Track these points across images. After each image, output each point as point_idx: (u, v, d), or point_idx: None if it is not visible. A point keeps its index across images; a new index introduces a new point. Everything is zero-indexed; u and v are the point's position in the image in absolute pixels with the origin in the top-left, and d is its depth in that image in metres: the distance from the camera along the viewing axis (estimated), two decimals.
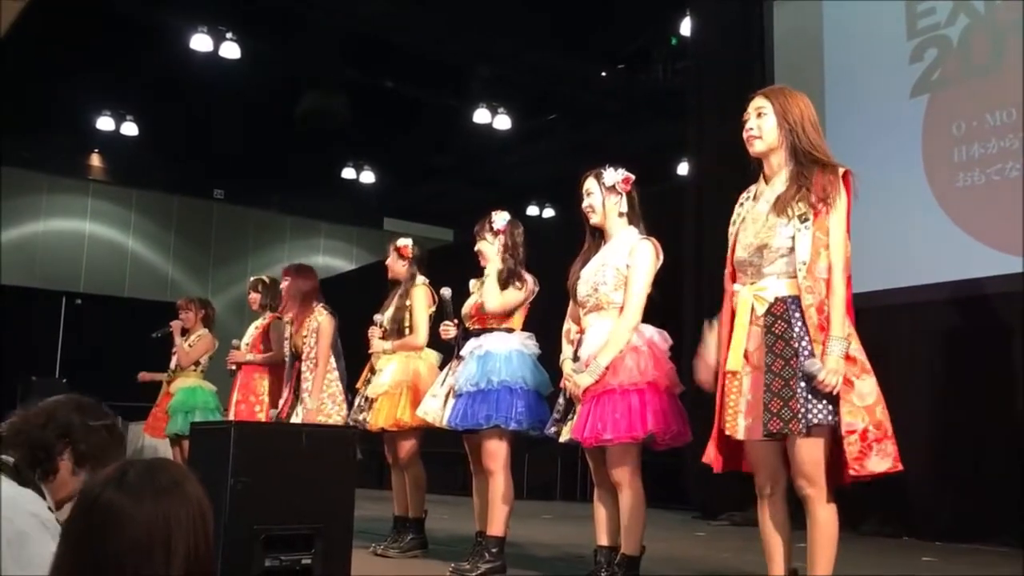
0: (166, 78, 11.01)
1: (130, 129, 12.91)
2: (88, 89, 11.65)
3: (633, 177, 3.67)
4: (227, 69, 10.50)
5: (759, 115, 2.91)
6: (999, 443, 5.48)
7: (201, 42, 10.23)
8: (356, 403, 4.86)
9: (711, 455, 2.92)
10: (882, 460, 2.66)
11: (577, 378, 3.47)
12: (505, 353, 4.10)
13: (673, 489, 7.36)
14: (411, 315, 4.79)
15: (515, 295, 4.18)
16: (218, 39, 10.27)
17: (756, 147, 2.90)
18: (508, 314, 4.20)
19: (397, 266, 4.96)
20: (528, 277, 4.23)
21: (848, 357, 2.68)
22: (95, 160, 14.27)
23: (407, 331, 4.79)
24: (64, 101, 11.73)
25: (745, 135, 2.92)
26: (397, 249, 4.95)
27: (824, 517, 2.76)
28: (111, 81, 11.42)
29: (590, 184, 3.68)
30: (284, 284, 5.21)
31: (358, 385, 4.90)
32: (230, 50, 10.34)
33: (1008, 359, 5.55)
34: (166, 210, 14.84)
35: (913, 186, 6.16)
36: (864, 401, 2.66)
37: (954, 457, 5.70)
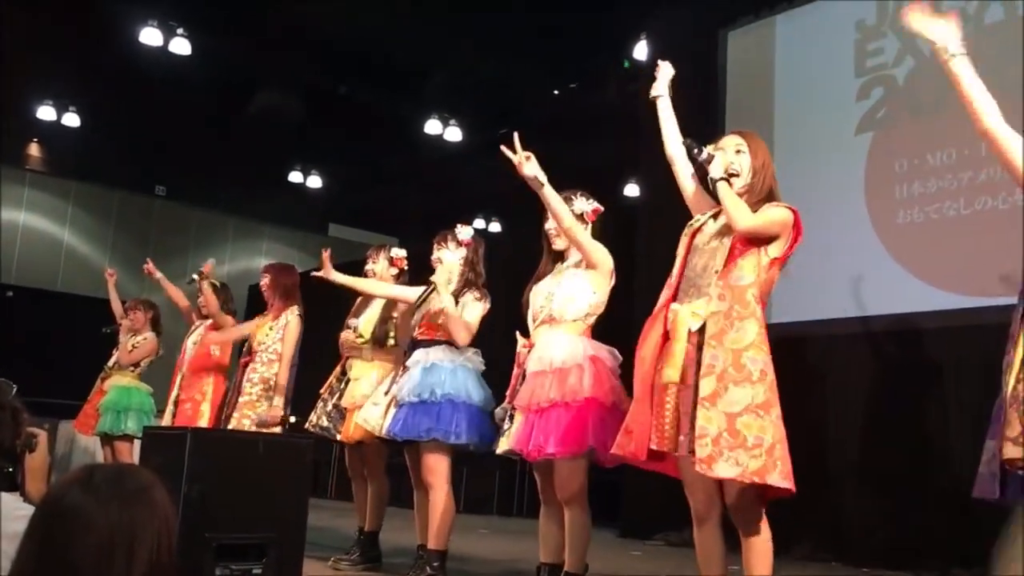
0: (112, 70, 10.81)
1: (72, 120, 12.64)
2: (30, 76, 11.37)
3: (602, 209, 3.69)
4: (176, 65, 10.35)
5: (737, 151, 3.00)
6: (929, 473, 5.64)
7: (151, 36, 10.07)
8: (320, 410, 4.79)
9: (628, 447, 2.89)
10: (730, 467, 2.65)
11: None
12: (450, 366, 4.10)
13: (605, 507, 7.41)
14: (397, 327, 4.71)
15: (475, 310, 4.15)
16: (168, 34, 10.13)
17: (736, 184, 2.95)
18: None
19: (387, 275, 4.84)
20: (485, 292, 4.23)
21: (737, 364, 2.72)
22: (34, 149, 13.92)
23: (391, 341, 4.72)
24: (3, 86, 11.42)
25: (726, 169, 2.97)
26: (391, 259, 4.84)
27: (757, 541, 2.83)
28: (55, 69, 11.16)
29: None
30: (264, 281, 5.19)
31: (322, 392, 4.84)
32: (180, 46, 10.21)
33: (939, 391, 5.73)
34: (106, 204, 14.53)
35: (855, 220, 6.32)
36: (730, 408, 2.68)
37: (884, 485, 5.84)
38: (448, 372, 4.09)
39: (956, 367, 5.66)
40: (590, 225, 3.66)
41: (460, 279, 4.22)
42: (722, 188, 2.90)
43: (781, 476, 2.66)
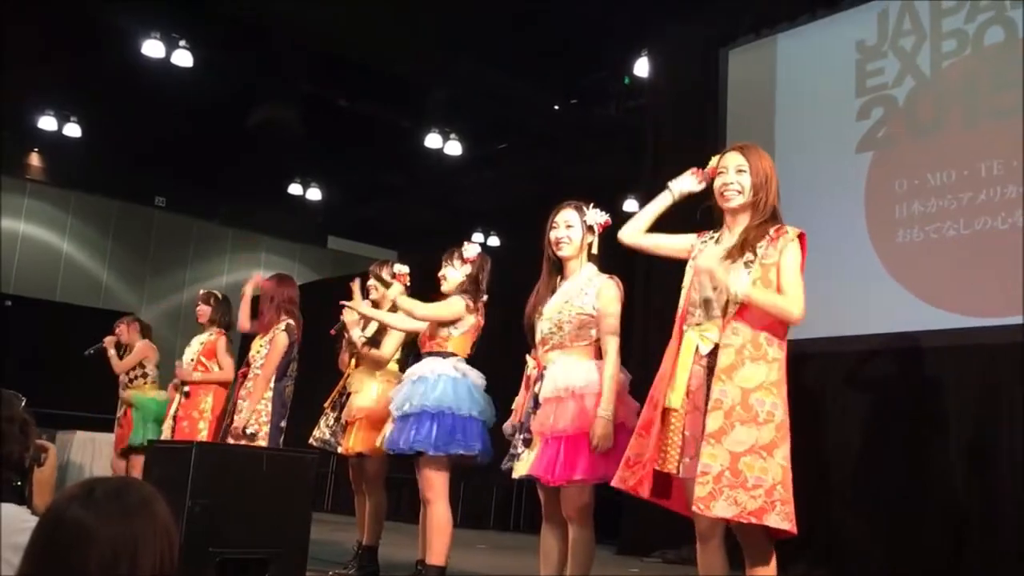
0: (114, 81, 10.81)
1: (73, 130, 12.63)
2: (32, 86, 11.38)
3: (611, 222, 3.63)
4: (178, 77, 10.36)
5: (739, 171, 2.98)
6: (928, 492, 5.63)
7: (153, 48, 10.08)
8: (323, 423, 4.79)
9: (641, 485, 2.90)
10: (727, 506, 2.67)
11: (599, 432, 3.27)
12: (433, 377, 4.08)
13: (603, 524, 7.38)
14: (387, 334, 4.74)
15: (446, 308, 4.15)
16: (171, 46, 10.14)
17: (735, 201, 2.96)
18: (443, 326, 4.15)
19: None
20: (479, 307, 4.22)
21: (745, 404, 2.73)
22: (34, 159, 13.91)
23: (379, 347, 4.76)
24: (5, 96, 11.43)
25: (723, 188, 2.98)
26: (393, 275, 4.81)
27: (761, 571, 2.82)
28: (56, 79, 11.17)
29: (570, 216, 3.56)
30: (262, 294, 5.19)
31: (325, 405, 4.84)
32: (182, 58, 10.22)
33: (938, 410, 5.72)
34: (105, 215, 14.51)
35: (855, 239, 6.33)
36: (734, 448, 2.70)
37: (883, 504, 5.83)
38: (430, 383, 4.06)
39: (955, 386, 5.67)
40: (597, 236, 3.64)
41: (458, 289, 4.23)
42: (756, 297, 2.82)
43: (780, 517, 2.68)
